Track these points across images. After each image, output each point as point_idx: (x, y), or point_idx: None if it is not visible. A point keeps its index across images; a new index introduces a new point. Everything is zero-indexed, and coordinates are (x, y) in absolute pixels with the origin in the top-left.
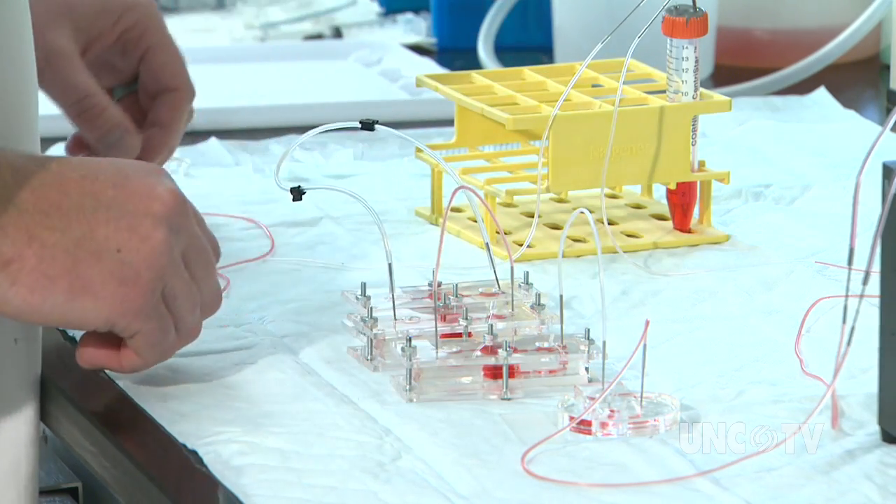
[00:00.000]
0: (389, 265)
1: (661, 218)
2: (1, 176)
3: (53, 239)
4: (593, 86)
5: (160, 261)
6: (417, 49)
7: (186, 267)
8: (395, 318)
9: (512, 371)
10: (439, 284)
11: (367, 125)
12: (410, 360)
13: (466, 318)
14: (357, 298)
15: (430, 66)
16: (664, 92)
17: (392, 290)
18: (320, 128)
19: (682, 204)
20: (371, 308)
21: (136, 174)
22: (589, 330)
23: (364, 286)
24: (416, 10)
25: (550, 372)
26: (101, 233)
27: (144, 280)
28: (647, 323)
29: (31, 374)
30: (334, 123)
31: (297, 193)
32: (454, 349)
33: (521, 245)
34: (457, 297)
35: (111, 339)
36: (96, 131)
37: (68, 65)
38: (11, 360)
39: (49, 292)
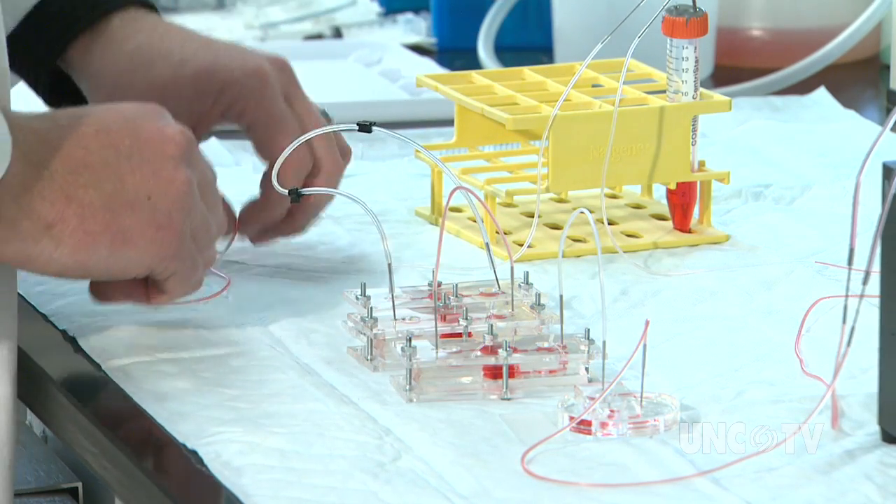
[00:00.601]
0: (389, 265)
1: (661, 218)
2: (26, 141)
3: (89, 197)
4: (593, 86)
5: (187, 201)
6: (417, 49)
7: (201, 199)
8: (395, 318)
9: (512, 371)
10: (439, 284)
11: (365, 127)
12: (410, 360)
13: (466, 318)
14: (357, 298)
15: (430, 66)
16: (664, 92)
17: (392, 290)
18: (317, 130)
19: (682, 204)
20: (371, 308)
21: (143, 119)
22: (589, 330)
23: (364, 286)
24: (416, 10)
25: (550, 372)
26: (130, 182)
27: (177, 222)
28: (647, 323)
29: (5, 356)
30: (331, 126)
31: (296, 195)
32: (454, 349)
33: (520, 245)
34: (457, 297)
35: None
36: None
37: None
38: None
39: (93, 249)
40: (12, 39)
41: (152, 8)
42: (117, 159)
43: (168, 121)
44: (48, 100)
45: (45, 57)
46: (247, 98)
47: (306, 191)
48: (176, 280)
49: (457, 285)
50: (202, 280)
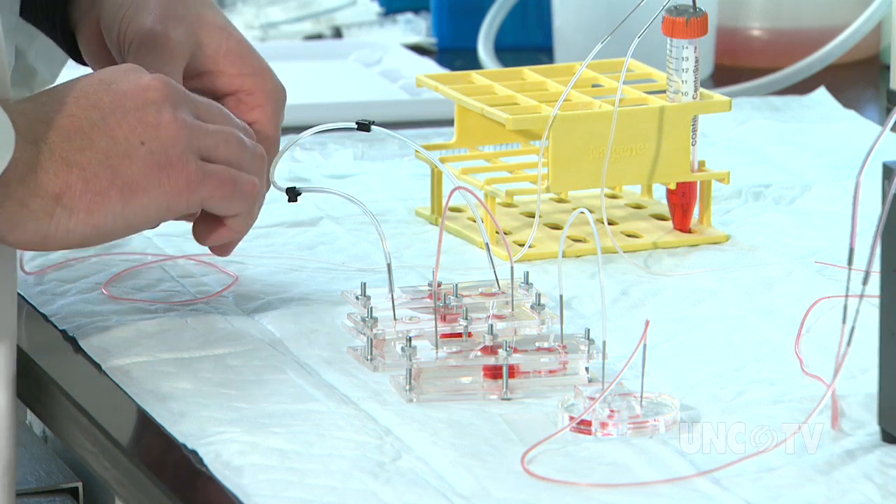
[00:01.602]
0: (389, 265)
1: (661, 218)
2: (16, 123)
3: (87, 158)
4: (593, 86)
5: (180, 134)
6: (417, 49)
7: (207, 122)
8: (395, 318)
9: (512, 371)
10: (439, 284)
11: (364, 126)
12: (410, 360)
13: (466, 318)
14: (357, 298)
15: (430, 66)
16: (664, 92)
17: (391, 290)
18: (315, 128)
19: (682, 204)
20: (371, 308)
21: (118, 76)
22: (589, 330)
23: (364, 286)
24: (416, 10)
25: (550, 372)
26: (120, 135)
27: (175, 156)
28: (647, 323)
29: (4, 359)
30: (330, 124)
31: (293, 194)
32: (454, 349)
33: (521, 245)
34: (457, 296)
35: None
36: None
37: (171, 64)
38: None
39: (105, 207)
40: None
41: None
42: (102, 117)
43: (143, 73)
44: (73, 54)
45: (52, 7)
46: (261, 97)
47: (305, 188)
48: (216, 202)
49: (457, 285)
50: (253, 184)
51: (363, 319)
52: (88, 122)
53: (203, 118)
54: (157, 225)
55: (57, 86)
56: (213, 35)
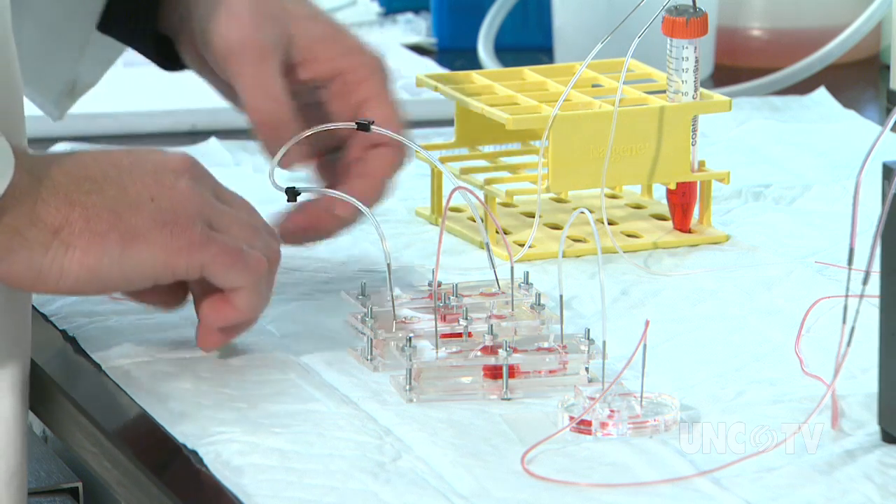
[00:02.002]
0: (388, 265)
1: (661, 218)
2: (26, 160)
3: (92, 200)
4: (593, 86)
5: (193, 200)
6: (417, 49)
7: (221, 204)
8: (395, 319)
9: (512, 371)
10: (439, 284)
11: (363, 126)
12: (410, 360)
13: (466, 318)
14: (357, 298)
15: (430, 66)
16: (664, 92)
17: (391, 290)
18: (315, 128)
19: (682, 204)
20: (371, 308)
21: (144, 150)
22: (589, 330)
23: (364, 286)
24: (416, 10)
25: (550, 372)
26: (132, 189)
27: (183, 217)
28: (647, 323)
29: (15, 369)
30: (329, 124)
31: (293, 195)
32: (454, 349)
33: (521, 245)
34: (457, 296)
35: (219, 295)
36: (275, 144)
37: (264, 65)
38: None
39: (103, 249)
40: (107, 9)
41: None
42: (118, 173)
43: (169, 152)
44: (160, 63)
45: (143, 19)
46: (367, 72)
47: (303, 188)
48: (216, 269)
49: (457, 285)
50: (261, 263)
51: (363, 319)
52: (102, 174)
53: (223, 201)
54: (155, 283)
55: (85, 150)
56: (301, 25)
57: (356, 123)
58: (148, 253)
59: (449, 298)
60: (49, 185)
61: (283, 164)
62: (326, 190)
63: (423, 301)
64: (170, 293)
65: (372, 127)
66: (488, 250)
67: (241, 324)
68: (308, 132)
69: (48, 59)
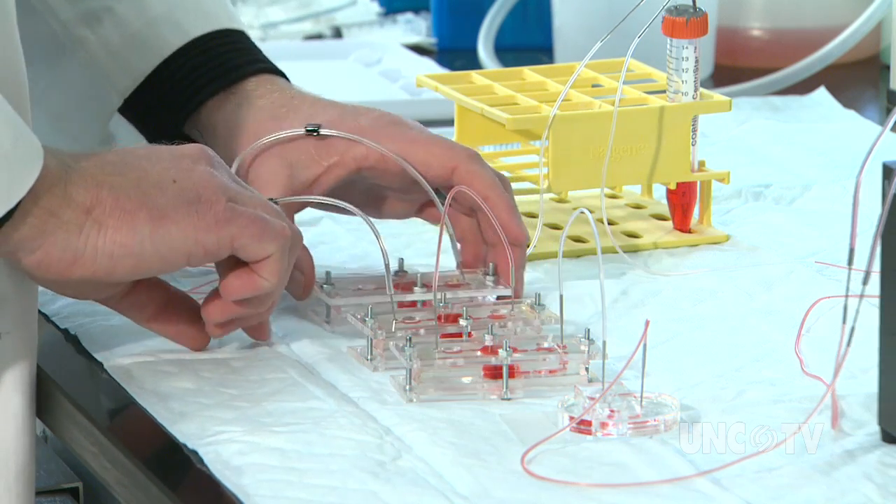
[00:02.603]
0: (387, 265)
1: (661, 218)
2: (55, 152)
3: (118, 181)
4: (593, 86)
5: (213, 181)
6: (417, 49)
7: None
8: (395, 319)
9: (512, 371)
10: (405, 273)
11: (312, 131)
12: (410, 360)
13: (466, 319)
14: (322, 287)
15: (430, 66)
16: (664, 92)
17: (390, 290)
18: (267, 138)
19: (682, 204)
20: (371, 308)
21: (158, 145)
22: (589, 330)
23: (328, 274)
24: (416, 10)
25: (550, 372)
26: (153, 171)
27: (206, 195)
28: (647, 323)
29: (22, 368)
30: (280, 133)
31: (315, 131)
32: (454, 349)
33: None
34: (421, 287)
35: (245, 267)
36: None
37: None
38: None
39: (134, 225)
40: (130, 102)
41: (283, 75)
42: (138, 160)
43: (187, 145)
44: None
45: (171, 117)
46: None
47: (282, 200)
48: (245, 240)
49: (420, 275)
50: (283, 231)
51: (363, 319)
52: (121, 160)
53: (238, 193)
54: (188, 263)
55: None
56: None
57: (305, 129)
58: (178, 230)
59: (413, 290)
60: (76, 169)
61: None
62: (323, 199)
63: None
64: (197, 332)
65: (321, 130)
66: (452, 242)
67: (262, 297)
68: (263, 140)
69: (79, 125)
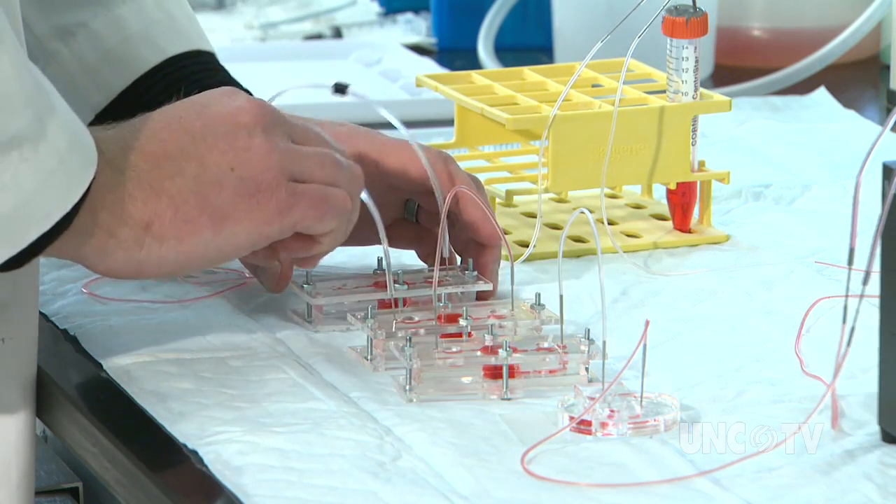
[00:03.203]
0: (388, 265)
1: (661, 218)
2: (108, 149)
3: (176, 186)
4: (593, 86)
5: (271, 159)
6: (417, 49)
7: (303, 145)
8: (395, 319)
9: (512, 371)
10: (382, 271)
11: (341, 89)
12: (410, 360)
13: (466, 319)
14: (302, 287)
15: (430, 66)
16: (664, 92)
17: (391, 289)
18: (286, 89)
19: (682, 204)
20: (370, 307)
21: (212, 100)
22: (589, 330)
23: (308, 274)
24: (416, 10)
25: (550, 372)
26: (210, 160)
27: (265, 184)
28: (647, 323)
29: (23, 373)
30: (304, 84)
31: (341, 89)
32: (454, 349)
33: (521, 245)
34: (402, 284)
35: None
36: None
37: None
38: (1, 360)
39: (196, 234)
40: (102, 116)
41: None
42: (193, 143)
43: (238, 96)
44: None
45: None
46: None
47: (351, 90)
48: (308, 224)
49: (401, 273)
50: (346, 199)
51: (363, 319)
52: (178, 148)
53: (299, 140)
54: (251, 251)
55: (153, 112)
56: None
57: (333, 86)
58: (240, 228)
59: (395, 287)
60: (134, 176)
61: None
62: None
63: (423, 300)
64: (283, 277)
65: (349, 90)
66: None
67: (322, 254)
68: (280, 92)
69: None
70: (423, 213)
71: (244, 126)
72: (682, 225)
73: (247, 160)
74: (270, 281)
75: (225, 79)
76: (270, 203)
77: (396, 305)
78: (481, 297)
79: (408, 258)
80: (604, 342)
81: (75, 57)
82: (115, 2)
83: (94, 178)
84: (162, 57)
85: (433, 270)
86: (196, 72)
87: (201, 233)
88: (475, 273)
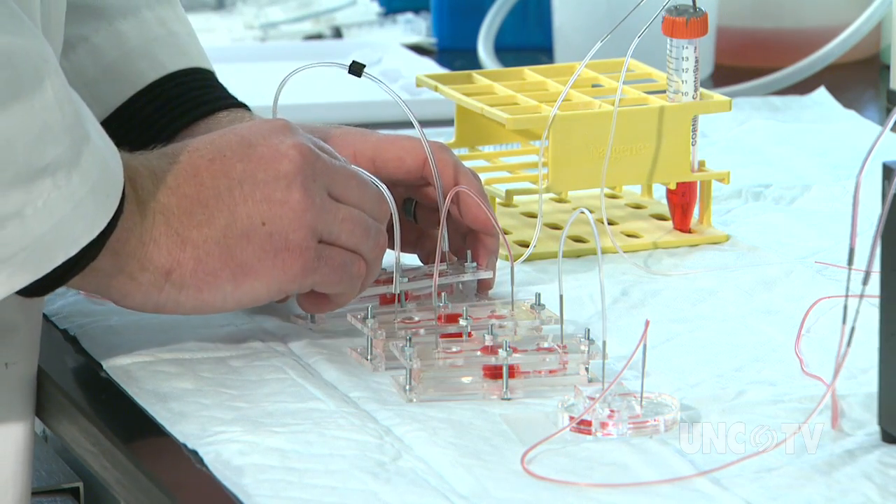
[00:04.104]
0: (397, 263)
1: (661, 218)
2: (143, 185)
3: (203, 235)
4: (593, 86)
5: (305, 218)
6: (417, 49)
7: (340, 200)
8: (396, 318)
9: (512, 371)
10: (383, 272)
11: (357, 68)
12: (410, 360)
13: (466, 319)
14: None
15: (430, 66)
16: (664, 92)
17: (397, 289)
18: (305, 66)
19: (682, 204)
20: (371, 308)
21: (259, 139)
22: (589, 330)
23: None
24: (416, 10)
25: (550, 372)
26: (242, 212)
27: (295, 243)
28: (647, 323)
29: (25, 397)
30: (322, 62)
31: (357, 69)
32: (454, 349)
33: (520, 245)
34: (403, 278)
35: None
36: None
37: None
38: (4, 385)
39: (215, 286)
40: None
41: (250, 111)
42: (229, 187)
43: (285, 137)
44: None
45: (142, 146)
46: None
47: (369, 75)
48: (323, 287)
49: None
50: (362, 271)
51: (363, 319)
52: (214, 193)
53: (338, 193)
54: (264, 303)
55: (198, 141)
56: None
57: (350, 65)
58: (260, 284)
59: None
60: (163, 220)
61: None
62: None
63: (423, 300)
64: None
65: (364, 73)
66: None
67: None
68: (301, 68)
69: None
70: (421, 212)
71: (284, 176)
72: (682, 225)
73: (280, 216)
74: None
75: (225, 93)
76: (296, 263)
77: (399, 301)
78: (481, 288)
79: (406, 259)
80: (604, 342)
81: (75, 70)
82: (117, 17)
83: (119, 219)
84: (161, 73)
85: (433, 267)
86: (194, 88)
87: (221, 286)
88: (474, 264)
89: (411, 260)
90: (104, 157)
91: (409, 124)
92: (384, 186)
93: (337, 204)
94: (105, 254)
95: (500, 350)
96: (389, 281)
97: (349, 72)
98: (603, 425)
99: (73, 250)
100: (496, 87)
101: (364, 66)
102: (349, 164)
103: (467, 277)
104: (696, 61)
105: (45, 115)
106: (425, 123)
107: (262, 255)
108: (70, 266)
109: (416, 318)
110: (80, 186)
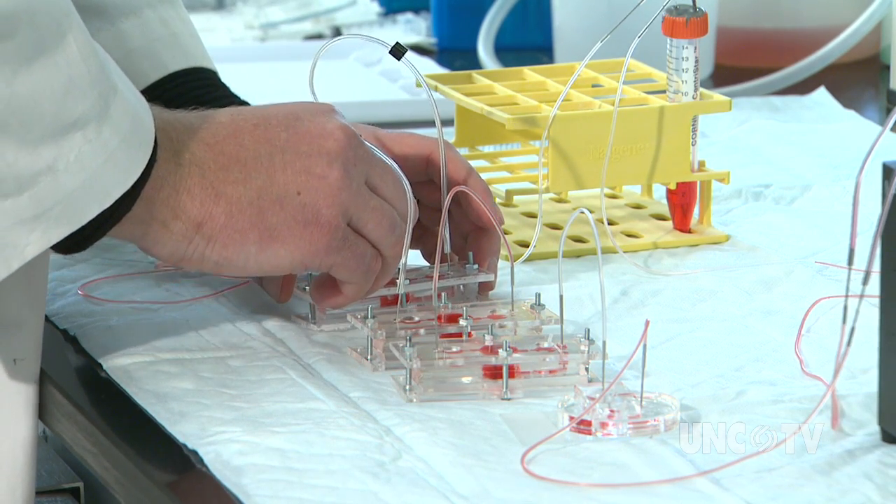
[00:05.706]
0: (404, 264)
1: (661, 218)
2: (178, 137)
3: (238, 193)
4: (593, 86)
5: (340, 196)
6: (417, 49)
7: (374, 191)
8: (396, 319)
9: (512, 371)
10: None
11: (399, 51)
12: (410, 360)
13: (466, 319)
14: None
15: (430, 66)
16: (664, 92)
17: (401, 290)
18: (344, 36)
19: (682, 204)
20: (371, 308)
21: (306, 115)
22: (589, 330)
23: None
24: (416, 10)
25: (550, 372)
26: (279, 178)
27: (325, 218)
28: (647, 323)
29: (30, 393)
30: (359, 34)
31: (398, 52)
32: (454, 349)
33: (520, 245)
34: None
35: (331, 282)
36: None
37: None
38: (11, 380)
39: (241, 245)
40: None
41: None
42: (270, 153)
43: (333, 118)
44: None
45: None
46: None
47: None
48: (338, 272)
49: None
50: (377, 267)
51: (364, 319)
52: (254, 156)
53: (374, 184)
54: (285, 273)
55: (249, 107)
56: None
57: (392, 47)
58: (285, 251)
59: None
60: (196, 172)
61: None
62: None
63: (424, 300)
64: (286, 287)
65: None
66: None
67: (343, 304)
68: (328, 42)
69: None
70: (423, 210)
71: (328, 153)
72: (682, 225)
73: (316, 188)
74: (274, 290)
75: (228, 92)
76: (322, 238)
77: (400, 301)
78: (482, 289)
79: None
80: (604, 342)
81: None
82: (119, 17)
83: (153, 168)
84: (163, 72)
85: (434, 267)
86: (196, 88)
87: (247, 247)
88: (475, 266)
89: (413, 258)
90: (134, 108)
91: (409, 124)
92: (410, 190)
93: (371, 193)
94: (139, 202)
95: (500, 350)
96: (391, 283)
97: (390, 52)
98: (603, 425)
99: (107, 202)
100: (496, 87)
101: (406, 49)
102: (389, 158)
103: (469, 280)
104: (696, 61)
105: (70, 70)
106: (425, 123)
107: (293, 224)
108: (105, 218)
109: (417, 319)
110: (112, 138)
